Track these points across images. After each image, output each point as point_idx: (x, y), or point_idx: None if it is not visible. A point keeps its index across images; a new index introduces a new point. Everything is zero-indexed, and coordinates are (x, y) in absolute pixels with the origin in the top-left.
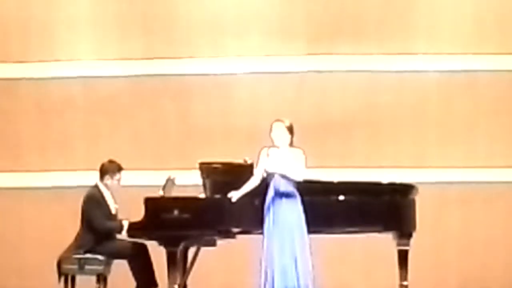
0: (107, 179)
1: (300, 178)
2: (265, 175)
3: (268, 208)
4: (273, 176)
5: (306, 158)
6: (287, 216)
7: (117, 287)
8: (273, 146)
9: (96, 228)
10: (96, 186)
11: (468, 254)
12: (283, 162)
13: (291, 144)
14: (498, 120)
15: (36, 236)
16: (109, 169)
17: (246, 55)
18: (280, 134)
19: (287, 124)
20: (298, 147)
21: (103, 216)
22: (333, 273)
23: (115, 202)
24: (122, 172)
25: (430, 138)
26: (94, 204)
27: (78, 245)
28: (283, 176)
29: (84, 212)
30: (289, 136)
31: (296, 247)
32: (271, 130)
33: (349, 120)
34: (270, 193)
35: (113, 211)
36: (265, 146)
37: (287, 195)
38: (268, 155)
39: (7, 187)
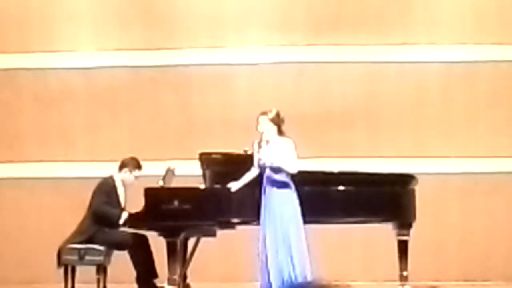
0: (125, 172)
1: (294, 170)
2: (257, 167)
3: (261, 203)
4: (265, 169)
5: (296, 147)
6: (281, 209)
7: (117, 278)
8: (263, 139)
9: (94, 211)
10: (110, 177)
11: (468, 245)
12: (274, 154)
13: (280, 134)
14: (498, 110)
15: (36, 227)
16: (129, 163)
17: (246, 46)
18: (265, 127)
19: (271, 116)
20: (287, 137)
21: (105, 202)
22: (333, 263)
23: (126, 200)
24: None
25: (430, 128)
26: (101, 189)
27: (80, 232)
28: (275, 169)
29: (92, 197)
30: (274, 127)
31: (292, 239)
32: (257, 123)
33: (349, 111)
34: (263, 186)
35: (123, 205)
36: (256, 140)
37: (280, 188)
38: (260, 146)
39: (7, 177)
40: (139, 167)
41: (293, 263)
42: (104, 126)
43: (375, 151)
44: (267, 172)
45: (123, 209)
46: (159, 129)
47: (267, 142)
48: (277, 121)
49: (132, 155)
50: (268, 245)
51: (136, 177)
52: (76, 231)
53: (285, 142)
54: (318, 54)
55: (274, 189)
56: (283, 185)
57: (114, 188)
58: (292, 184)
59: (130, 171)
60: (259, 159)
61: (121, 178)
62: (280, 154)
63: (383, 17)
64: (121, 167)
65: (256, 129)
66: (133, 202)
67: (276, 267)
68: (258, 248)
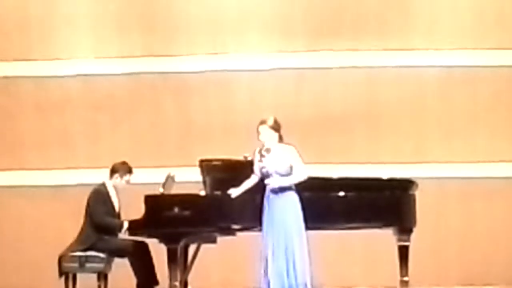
0: (116, 178)
1: (304, 177)
2: (259, 175)
3: (265, 208)
4: (270, 176)
5: (299, 153)
6: (284, 215)
7: (118, 285)
8: (264, 148)
9: (96, 223)
10: (103, 184)
11: (468, 249)
12: (278, 162)
13: (280, 140)
14: (498, 115)
15: (37, 235)
16: (119, 168)
17: (246, 52)
18: (267, 136)
19: (270, 123)
20: (289, 144)
21: (105, 212)
22: (333, 269)
23: (120, 205)
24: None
25: (430, 133)
26: (98, 199)
27: (81, 241)
28: (281, 175)
29: (88, 207)
30: (275, 134)
31: (295, 246)
32: (258, 133)
33: (349, 116)
34: (267, 193)
35: (117, 210)
36: (257, 148)
37: (283, 195)
38: (262, 156)
39: (8, 185)
40: (129, 171)
41: (295, 270)
42: (104, 133)
43: (375, 156)
44: (271, 180)
45: (119, 215)
46: (159, 135)
47: (269, 150)
48: (277, 127)
49: (123, 160)
50: (270, 250)
51: (128, 182)
52: (76, 241)
53: (288, 149)
54: (317, 60)
55: (278, 195)
56: (287, 192)
57: (108, 195)
58: (295, 191)
59: (121, 177)
60: (262, 167)
61: (113, 184)
62: (285, 161)
63: (382, 22)
64: (112, 173)
65: (258, 138)
66: (133, 209)
67: (276, 273)
68: (260, 253)
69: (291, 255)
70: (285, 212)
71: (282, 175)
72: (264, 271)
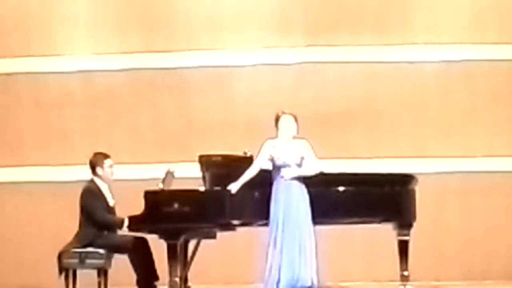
0: (99, 170)
1: (317, 171)
2: (270, 167)
3: (278, 200)
4: (286, 167)
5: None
6: (297, 206)
7: (118, 281)
8: (277, 138)
9: (97, 220)
10: (91, 181)
11: (468, 244)
12: (295, 154)
13: (294, 135)
14: (497, 109)
15: (36, 231)
16: (96, 160)
17: (245, 48)
18: (290, 126)
19: (293, 115)
20: (302, 138)
21: (103, 208)
22: (334, 263)
23: (113, 197)
24: (119, 165)
25: (429, 128)
26: (92, 197)
27: (80, 238)
28: (298, 165)
29: (83, 206)
30: (295, 128)
31: (306, 239)
32: (278, 121)
33: (349, 111)
34: (281, 185)
35: (111, 204)
36: (269, 138)
37: (297, 186)
38: (274, 147)
39: (6, 181)
40: (106, 157)
41: (305, 262)
42: (104, 130)
43: (374, 151)
44: (288, 172)
45: (113, 209)
46: (159, 131)
47: (286, 142)
48: (297, 121)
49: (96, 151)
50: (287, 239)
51: (111, 166)
52: (75, 238)
53: (303, 144)
54: (316, 55)
55: (292, 185)
56: (300, 186)
57: (99, 191)
58: (305, 186)
59: (102, 166)
60: (277, 158)
61: (101, 178)
62: (299, 154)
63: (381, 17)
64: (93, 168)
65: (276, 126)
66: (132, 205)
67: (288, 264)
68: (268, 247)
69: (302, 247)
70: (298, 203)
71: (296, 166)
72: (270, 266)
